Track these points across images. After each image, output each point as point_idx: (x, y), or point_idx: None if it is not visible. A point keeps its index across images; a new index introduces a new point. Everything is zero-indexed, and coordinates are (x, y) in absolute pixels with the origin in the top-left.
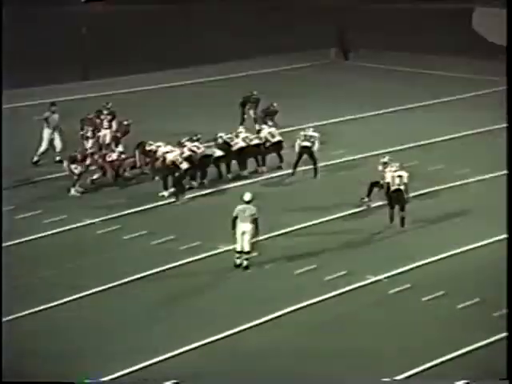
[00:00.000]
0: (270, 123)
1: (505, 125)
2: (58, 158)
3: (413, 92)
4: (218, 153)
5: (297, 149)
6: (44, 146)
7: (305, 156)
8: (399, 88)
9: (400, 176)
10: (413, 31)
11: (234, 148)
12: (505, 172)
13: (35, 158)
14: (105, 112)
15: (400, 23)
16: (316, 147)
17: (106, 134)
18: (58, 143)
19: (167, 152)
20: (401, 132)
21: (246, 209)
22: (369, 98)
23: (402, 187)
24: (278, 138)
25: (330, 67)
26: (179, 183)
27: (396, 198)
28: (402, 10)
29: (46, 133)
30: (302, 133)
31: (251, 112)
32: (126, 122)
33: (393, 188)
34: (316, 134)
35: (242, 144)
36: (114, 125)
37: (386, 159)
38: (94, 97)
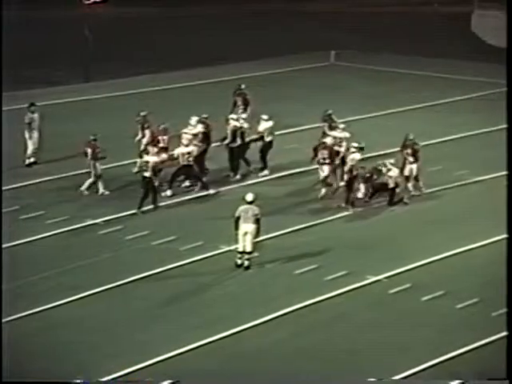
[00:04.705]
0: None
1: (503, 126)
2: (28, 161)
3: (412, 94)
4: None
5: None
6: (30, 146)
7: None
8: (398, 90)
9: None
10: (413, 34)
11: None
12: (503, 173)
13: (27, 161)
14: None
15: (401, 26)
16: None
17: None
18: (31, 143)
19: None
20: (400, 133)
21: (249, 209)
22: (368, 99)
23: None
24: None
25: (329, 69)
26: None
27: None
28: (404, 13)
29: (27, 134)
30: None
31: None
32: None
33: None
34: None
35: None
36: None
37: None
38: (95, 99)
